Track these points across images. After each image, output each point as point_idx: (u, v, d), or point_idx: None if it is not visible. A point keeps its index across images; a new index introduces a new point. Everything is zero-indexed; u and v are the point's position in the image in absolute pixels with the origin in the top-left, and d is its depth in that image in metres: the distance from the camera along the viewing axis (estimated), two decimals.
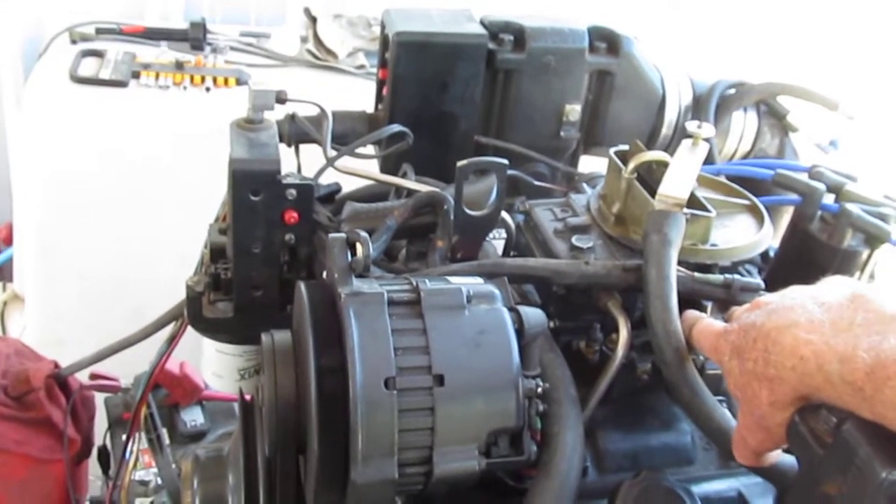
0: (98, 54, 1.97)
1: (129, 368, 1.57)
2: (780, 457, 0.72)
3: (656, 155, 0.85)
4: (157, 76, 1.92)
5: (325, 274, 0.85)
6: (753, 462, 0.67)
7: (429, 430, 0.64)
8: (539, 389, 0.69)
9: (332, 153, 1.02)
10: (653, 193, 0.83)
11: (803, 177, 0.98)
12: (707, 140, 0.86)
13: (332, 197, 1.07)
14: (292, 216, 0.93)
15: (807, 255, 0.98)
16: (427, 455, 0.64)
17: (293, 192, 0.92)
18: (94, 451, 1.53)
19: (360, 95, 1.33)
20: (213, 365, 1.09)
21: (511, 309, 0.70)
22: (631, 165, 0.85)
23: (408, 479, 0.65)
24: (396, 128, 1.05)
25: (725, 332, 0.67)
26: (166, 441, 1.51)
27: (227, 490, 0.89)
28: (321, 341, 0.64)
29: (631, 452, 0.84)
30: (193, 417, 1.60)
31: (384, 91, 1.17)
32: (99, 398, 1.60)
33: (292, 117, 1.12)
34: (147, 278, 1.94)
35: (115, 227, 2.00)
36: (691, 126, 0.85)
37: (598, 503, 0.76)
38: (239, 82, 1.97)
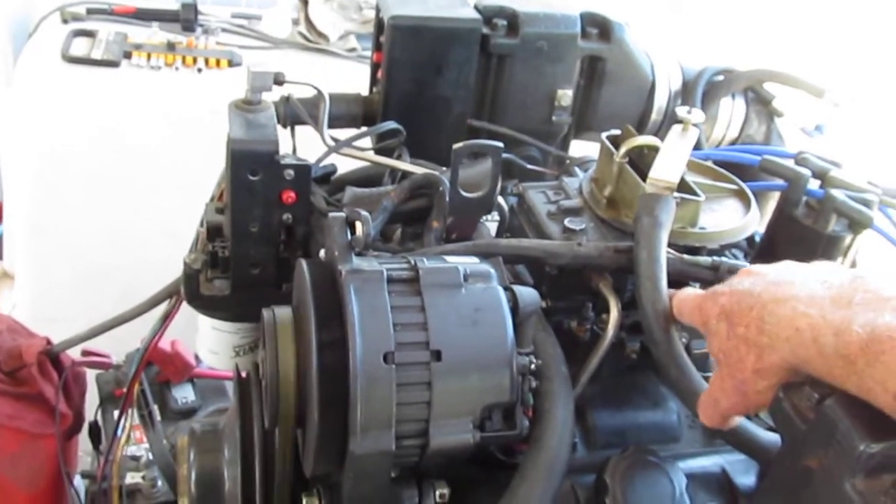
0: (89, 34, 1.97)
1: (119, 346, 1.59)
2: (764, 434, 0.74)
3: (647, 140, 0.87)
4: (148, 57, 1.92)
5: (321, 252, 0.87)
6: (718, 423, 0.69)
7: (425, 403, 0.66)
8: (532, 366, 0.71)
9: (329, 136, 1.04)
10: (644, 177, 0.85)
11: (789, 163, 1.00)
12: (696, 126, 0.88)
13: (327, 178, 1.09)
14: (290, 196, 0.95)
15: (792, 240, 1.00)
16: (423, 428, 0.66)
17: (291, 172, 0.94)
18: (85, 427, 1.54)
19: (351, 78, 1.34)
20: (209, 342, 1.10)
21: (506, 288, 0.72)
22: (622, 150, 0.87)
23: (404, 451, 0.67)
24: (391, 125, 1.07)
25: (714, 295, 0.69)
26: (157, 417, 1.53)
27: (223, 463, 0.90)
28: (322, 316, 0.66)
29: (619, 429, 0.86)
30: (184, 394, 1.62)
31: (379, 74, 1.18)
32: (90, 375, 1.61)
33: (287, 99, 1.13)
34: (137, 257, 1.94)
35: (106, 207, 2.00)
36: (681, 112, 0.86)
37: (587, 478, 0.78)
38: (231, 64, 1.98)
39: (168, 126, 1.91)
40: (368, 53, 2.12)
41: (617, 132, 0.93)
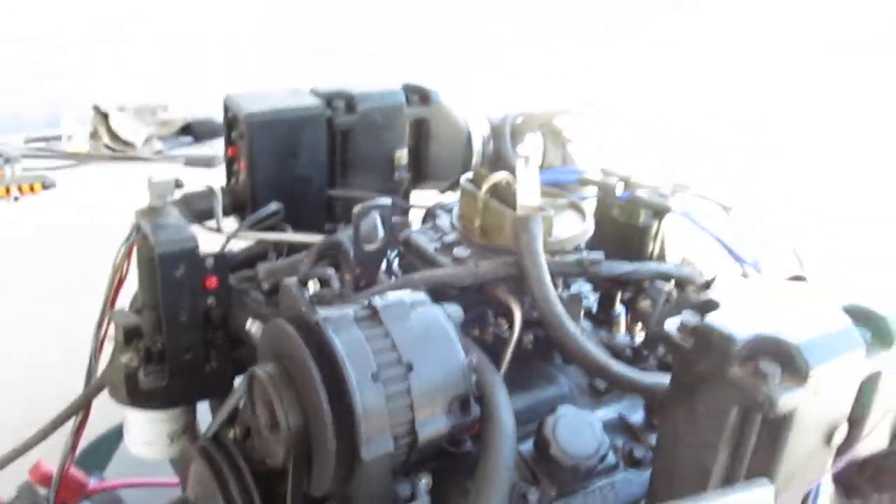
0: None
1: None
2: (647, 376, 0.98)
3: (500, 175, 1.09)
4: None
5: (248, 323, 1.02)
6: None
7: (409, 406, 0.83)
8: (474, 362, 0.90)
9: (224, 225, 1.18)
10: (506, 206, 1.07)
11: (599, 175, 1.27)
12: (532, 158, 1.11)
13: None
14: (212, 282, 1.08)
15: (614, 235, 1.26)
16: (410, 427, 0.83)
17: (211, 260, 1.07)
18: None
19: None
20: (144, 435, 1.19)
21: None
22: (485, 188, 1.09)
23: (399, 449, 0.83)
24: (274, 206, 1.23)
25: None
26: None
27: None
28: (316, 359, 0.81)
29: (530, 407, 1.06)
30: None
31: (240, 166, 1.34)
32: None
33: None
34: None
35: None
36: (522, 150, 1.10)
37: (524, 446, 0.97)
38: (44, 186, 2.01)
39: None
40: (174, 153, 2.25)
41: (469, 175, 1.15)
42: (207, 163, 2.20)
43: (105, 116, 2.19)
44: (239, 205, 1.34)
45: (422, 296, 0.90)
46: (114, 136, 2.18)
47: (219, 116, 1.38)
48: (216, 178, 1.31)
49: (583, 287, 1.29)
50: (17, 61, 2.29)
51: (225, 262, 1.09)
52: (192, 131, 2.56)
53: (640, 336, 1.20)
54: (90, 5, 2.39)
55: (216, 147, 2.36)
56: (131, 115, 2.29)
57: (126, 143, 2.18)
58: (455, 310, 0.92)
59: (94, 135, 2.24)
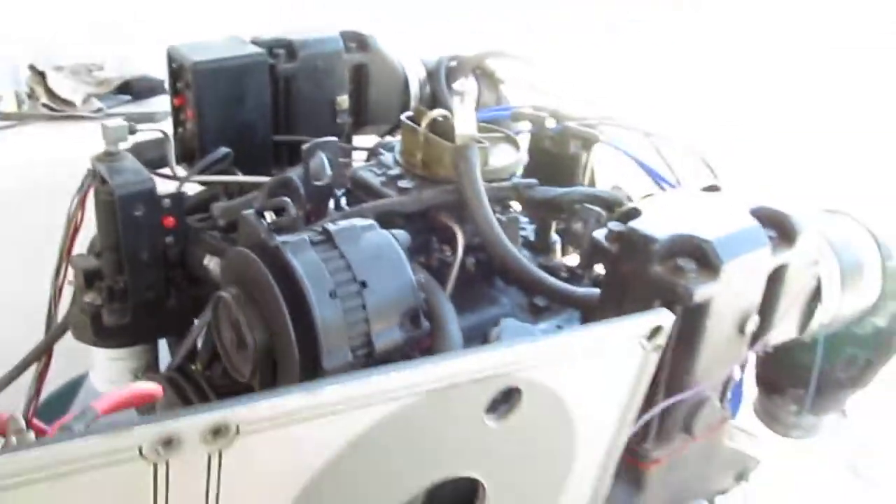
0: None
1: None
2: (579, 289, 1.07)
3: (438, 112, 1.17)
4: None
5: (205, 259, 1.08)
6: None
7: (365, 320, 0.90)
8: (422, 280, 0.98)
9: (179, 171, 1.23)
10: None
11: (530, 111, 1.35)
12: (468, 93, 1.19)
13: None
14: (170, 221, 1.13)
15: (546, 165, 1.35)
16: (367, 339, 0.91)
17: (168, 201, 1.12)
18: None
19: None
20: (107, 374, 1.25)
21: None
22: (424, 123, 1.16)
23: (357, 360, 0.91)
24: (223, 150, 1.28)
25: None
26: None
27: None
28: (277, 280, 0.88)
29: (475, 326, 1.15)
30: None
31: (187, 115, 1.38)
32: None
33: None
34: None
35: None
36: (458, 86, 1.17)
37: None
38: None
39: None
40: (114, 111, 2.26)
41: (410, 113, 1.22)
42: (148, 119, 2.22)
43: (42, 76, 2.19)
44: (188, 153, 1.39)
45: (371, 222, 0.97)
46: (52, 95, 2.18)
47: (156, 74, 1.42)
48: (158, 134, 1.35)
49: (520, 218, 1.38)
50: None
51: (182, 202, 1.15)
52: (131, 89, 2.56)
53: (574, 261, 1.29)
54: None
55: (155, 104, 2.37)
56: (68, 73, 2.28)
57: (65, 102, 2.19)
58: (402, 234, 0.99)
59: (32, 94, 2.23)
